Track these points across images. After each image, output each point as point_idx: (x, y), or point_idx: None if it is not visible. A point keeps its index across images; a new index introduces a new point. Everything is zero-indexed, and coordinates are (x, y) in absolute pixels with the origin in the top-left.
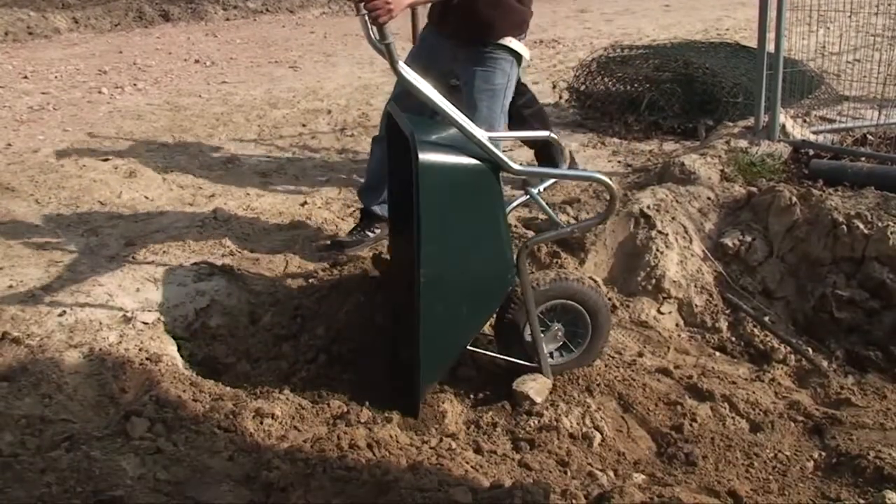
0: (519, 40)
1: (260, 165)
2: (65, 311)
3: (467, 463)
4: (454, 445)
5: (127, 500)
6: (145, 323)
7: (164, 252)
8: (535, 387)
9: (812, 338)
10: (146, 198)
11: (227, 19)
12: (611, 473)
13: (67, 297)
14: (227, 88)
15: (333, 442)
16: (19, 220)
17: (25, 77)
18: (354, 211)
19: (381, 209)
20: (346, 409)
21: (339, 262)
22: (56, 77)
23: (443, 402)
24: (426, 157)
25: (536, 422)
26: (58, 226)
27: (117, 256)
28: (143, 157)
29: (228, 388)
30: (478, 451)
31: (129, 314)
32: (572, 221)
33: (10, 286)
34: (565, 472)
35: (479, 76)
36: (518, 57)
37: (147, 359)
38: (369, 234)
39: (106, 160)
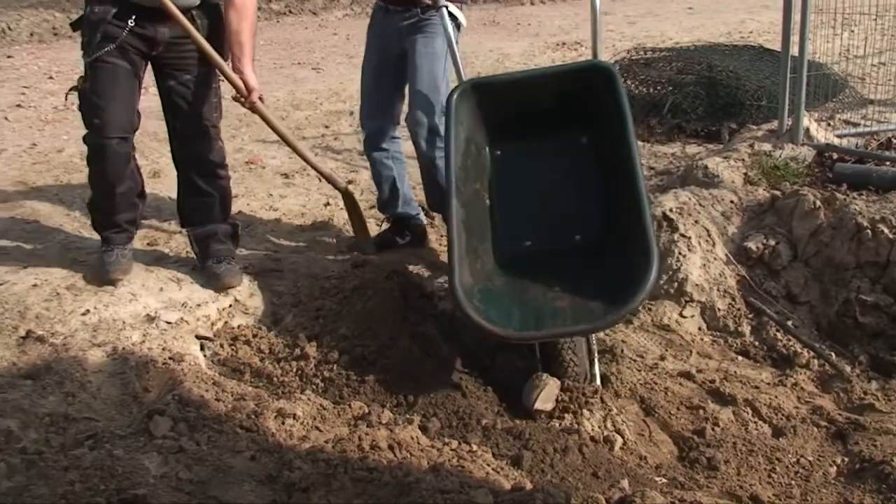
0: (458, 7)
1: (283, 166)
2: (88, 311)
3: (488, 465)
4: (475, 448)
5: (149, 498)
6: (168, 322)
7: (187, 252)
8: (543, 395)
9: (835, 342)
10: (170, 198)
11: None
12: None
13: (91, 296)
14: None
15: (355, 443)
16: (44, 219)
17: (50, 77)
18: (376, 211)
19: (403, 209)
20: (367, 410)
21: (361, 263)
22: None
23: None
24: None
25: (557, 425)
26: (82, 225)
27: (141, 255)
28: (168, 158)
29: (250, 388)
30: (497, 454)
31: (152, 314)
32: None
33: (35, 285)
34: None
35: (419, 42)
36: (458, 23)
37: (170, 358)
38: (398, 240)
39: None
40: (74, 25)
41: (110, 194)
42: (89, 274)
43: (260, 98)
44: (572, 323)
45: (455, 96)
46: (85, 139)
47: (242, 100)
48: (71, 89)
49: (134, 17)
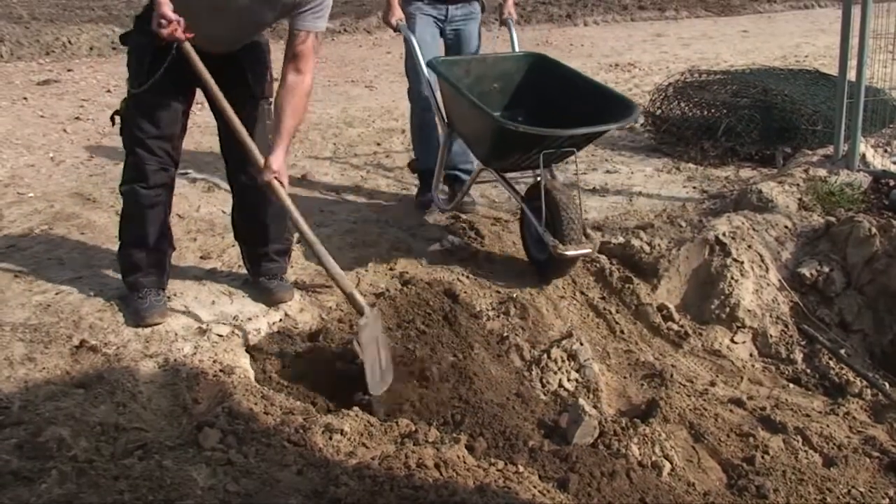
0: None
1: (334, 183)
2: None
3: (534, 487)
4: (521, 469)
5: None
6: (220, 335)
7: (239, 266)
8: (580, 431)
9: (889, 372)
10: (223, 212)
11: None
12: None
13: None
14: None
15: (401, 460)
16: (99, 230)
17: (108, 91)
18: (427, 228)
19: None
20: (414, 428)
21: (409, 280)
22: None
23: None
24: None
25: (605, 449)
26: None
27: (194, 269)
28: (222, 173)
29: (299, 403)
30: (544, 476)
31: (204, 326)
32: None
33: (90, 295)
34: None
35: (472, 27)
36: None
37: (220, 371)
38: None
39: (185, 174)
40: (123, 39)
41: (142, 225)
42: (128, 320)
43: (279, 181)
44: (592, 125)
45: (439, 62)
46: (127, 165)
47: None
48: (114, 113)
49: (176, 46)
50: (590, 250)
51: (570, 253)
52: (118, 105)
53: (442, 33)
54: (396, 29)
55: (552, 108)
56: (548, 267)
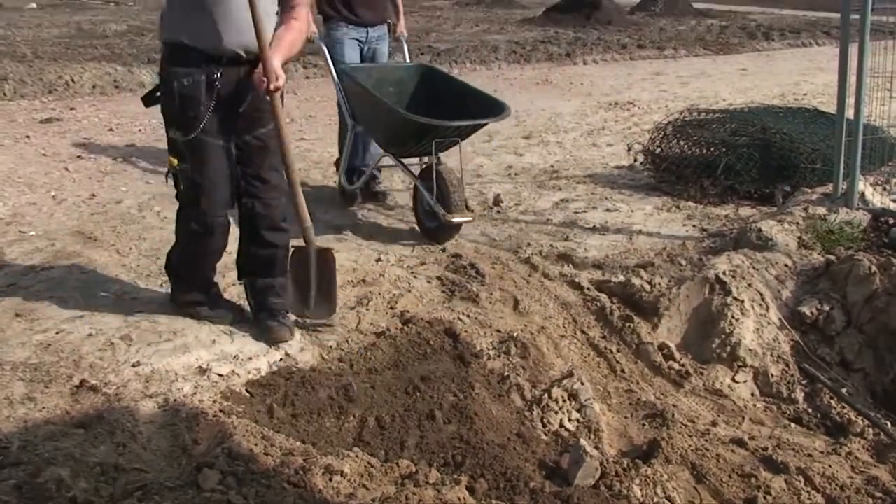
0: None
1: (335, 221)
2: (141, 361)
3: None
4: None
5: None
6: (220, 375)
7: (240, 304)
8: (582, 472)
9: (891, 411)
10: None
11: (307, 77)
12: None
13: (144, 346)
14: (305, 145)
15: (402, 502)
16: (101, 269)
17: (111, 129)
18: (428, 267)
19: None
20: (414, 469)
21: (409, 320)
22: (140, 130)
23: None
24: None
25: (606, 491)
26: (138, 276)
27: None
28: None
29: (299, 444)
30: None
31: (204, 366)
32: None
33: (90, 334)
34: None
35: (384, 47)
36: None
37: (220, 411)
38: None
39: None
40: (148, 100)
41: (207, 264)
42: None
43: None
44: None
45: (347, 68)
46: (188, 217)
47: (266, 84)
48: (168, 172)
49: (220, 73)
50: (471, 219)
51: (456, 220)
52: (167, 169)
53: (362, 52)
54: (311, 40)
55: (437, 108)
56: (437, 232)
